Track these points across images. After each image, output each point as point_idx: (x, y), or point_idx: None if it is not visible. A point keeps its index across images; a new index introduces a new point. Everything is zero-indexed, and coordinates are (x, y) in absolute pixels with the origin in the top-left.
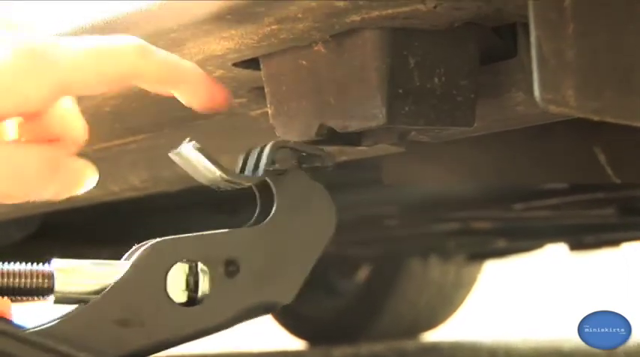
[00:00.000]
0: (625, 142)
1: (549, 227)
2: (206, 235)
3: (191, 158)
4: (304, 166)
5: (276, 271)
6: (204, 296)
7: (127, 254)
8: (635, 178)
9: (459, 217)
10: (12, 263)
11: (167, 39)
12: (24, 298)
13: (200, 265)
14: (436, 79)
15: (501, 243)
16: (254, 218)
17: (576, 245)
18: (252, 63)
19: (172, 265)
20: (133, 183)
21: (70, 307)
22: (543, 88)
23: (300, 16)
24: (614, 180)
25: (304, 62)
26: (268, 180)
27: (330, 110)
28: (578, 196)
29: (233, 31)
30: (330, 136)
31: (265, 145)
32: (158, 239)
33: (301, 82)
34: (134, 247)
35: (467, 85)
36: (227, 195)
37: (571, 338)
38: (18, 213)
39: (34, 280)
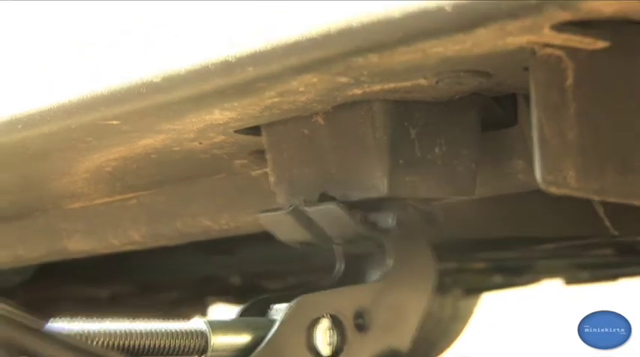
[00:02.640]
0: None
1: (546, 266)
2: (337, 291)
3: (323, 213)
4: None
5: (396, 322)
6: (341, 348)
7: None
8: (632, 230)
9: (457, 257)
10: (162, 322)
11: (169, 110)
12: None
13: (338, 319)
14: (437, 149)
15: (498, 278)
16: (341, 273)
17: (572, 281)
18: (253, 129)
19: (316, 320)
20: (133, 237)
21: None
22: (544, 170)
23: (301, 89)
24: (612, 232)
25: (306, 131)
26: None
27: (332, 179)
28: (575, 241)
29: (235, 103)
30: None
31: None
32: (300, 297)
33: (303, 150)
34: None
35: (468, 154)
36: (221, 237)
37: None
38: (17, 263)
39: (190, 340)
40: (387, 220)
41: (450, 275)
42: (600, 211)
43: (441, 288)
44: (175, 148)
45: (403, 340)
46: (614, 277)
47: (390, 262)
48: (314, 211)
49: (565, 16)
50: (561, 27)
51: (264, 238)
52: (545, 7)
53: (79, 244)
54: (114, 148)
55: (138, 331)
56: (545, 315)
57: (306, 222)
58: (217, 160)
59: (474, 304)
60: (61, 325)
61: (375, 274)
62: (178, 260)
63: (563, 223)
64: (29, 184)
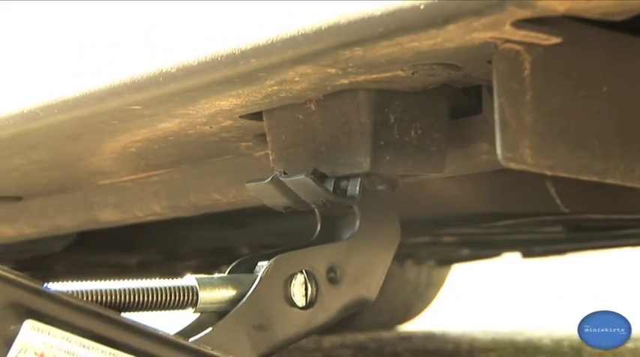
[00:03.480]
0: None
1: (506, 240)
2: (311, 249)
3: (297, 182)
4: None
5: (364, 275)
6: (315, 299)
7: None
8: (579, 207)
9: (431, 232)
10: (153, 280)
11: (183, 96)
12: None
13: (312, 274)
14: (413, 133)
15: (466, 252)
16: (317, 233)
17: (528, 254)
18: (256, 115)
19: (292, 275)
20: (155, 209)
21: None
22: (504, 148)
23: (297, 79)
24: (563, 209)
25: (300, 116)
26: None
27: (322, 158)
28: (531, 218)
29: (240, 91)
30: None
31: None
32: (278, 255)
33: (298, 133)
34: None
35: (439, 137)
36: (231, 211)
37: (524, 331)
38: (57, 231)
39: (181, 295)
40: (355, 187)
41: (425, 248)
42: (552, 190)
43: (418, 259)
44: (190, 131)
45: (371, 290)
46: (563, 251)
47: (357, 223)
48: (289, 182)
49: (523, 13)
50: (520, 24)
51: (270, 213)
52: (507, 5)
53: (109, 215)
54: (137, 130)
55: (133, 288)
56: (545, 315)
57: (285, 190)
58: (225, 142)
59: (446, 273)
60: (58, 285)
61: (347, 234)
62: (196, 233)
63: (520, 201)
64: (65, 163)
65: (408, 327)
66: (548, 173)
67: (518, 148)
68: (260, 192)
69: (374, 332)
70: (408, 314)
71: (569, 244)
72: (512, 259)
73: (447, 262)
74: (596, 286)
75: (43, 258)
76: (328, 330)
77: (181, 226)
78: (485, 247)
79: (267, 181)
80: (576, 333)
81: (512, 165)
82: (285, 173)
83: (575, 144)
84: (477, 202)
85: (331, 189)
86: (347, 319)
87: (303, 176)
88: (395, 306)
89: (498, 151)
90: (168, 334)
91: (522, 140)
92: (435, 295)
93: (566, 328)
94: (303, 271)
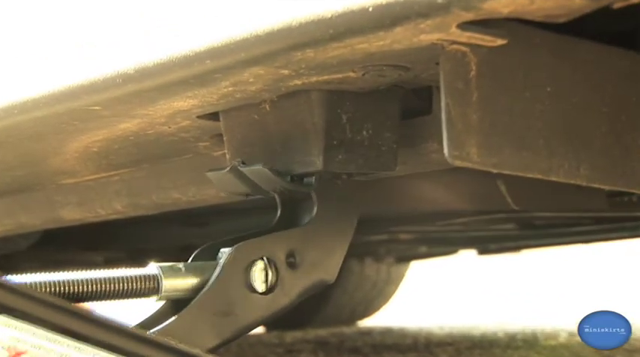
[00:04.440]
0: (522, 176)
1: (461, 237)
2: (271, 236)
3: (255, 172)
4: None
5: (323, 259)
6: (275, 284)
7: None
8: (529, 205)
9: (389, 230)
10: (116, 270)
11: (142, 97)
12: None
13: (271, 260)
14: (364, 132)
15: (423, 249)
16: (277, 219)
17: (483, 251)
18: (213, 116)
19: (253, 262)
20: (117, 208)
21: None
22: (451, 146)
23: (251, 80)
24: (513, 207)
25: (256, 116)
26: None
27: (277, 156)
28: (484, 215)
29: (196, 92)
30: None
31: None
32: (239, 243)
33: (253, 133)
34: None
35: (390, 136)
36: (195, 210)
37: (479, 325)
38: (22, 230)
39: (145, 283)
40: (312, 176)
41: (383, 245)
42: (502, 188)
43: (377, 256)
44: (149, 132)
45: (329, 272)
46: (517, 248)
47: (315, 209)
48: (248, 171)
49: (468, 16)
50: (466, 26)
51: (234, 211)
52: (452, 8)
53: (72, 214)
54: (98, 130)
55: (95, 277)
56: (545, 315)
57: (244, 179)
58: (184, 142)
59: (405, 270)
60: (20, 277)
61: (306, 219)
62: (162, 231)
63: (473, 199)
64: (28, 163)
65: (368, 322)
66: (494, 171)
67: (465, 147)
68: (220, 180)
69: (335, 328)
70: (368, 310)
71: (522, 241)
72: (468, 255)
73: (405, 259)
74: (596, 286)
75: (8, 256)
76: (290, 325)
77: (147, 224)
78: (441, 245)
79: (226, 170)
80: (529, 327)
81: (458, 163)
82: (243, 163)
83: (520, 143)
84: (433, 200)
85: (288, 178)
86: (308, 315)
87: (261, 166)
88: (355, 302)
89: (445, 149)
90: (134, 328)
91: (468, 139)
92: (394, 291)
93: (519, 323)
94: (264, 257)
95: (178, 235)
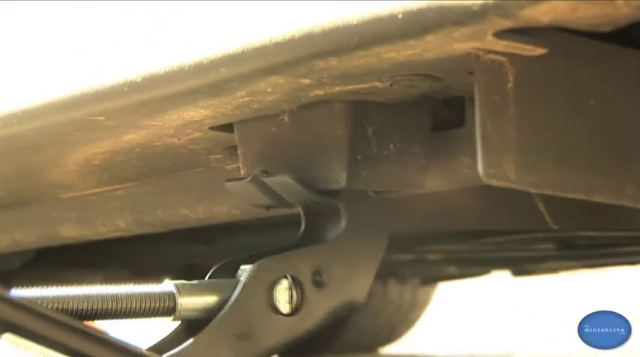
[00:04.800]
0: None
1: (494, 258)
2: (295, 252)
3: (278, 183)
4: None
5: (352, 277)
6: (301, 304)
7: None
8: (569, 224)
9: (415, 249)
10: (129, 286)
11: (150, 107)
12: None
13: (296, 278)
14: (392, 146)
15: (452, 269)
16: (301, 234)
17: (519, 272)
18: (227, 127)
19: (276, 281)
20: (119, 225)
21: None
22: (486, 164)
23: (269, 90)
24: (552, 226)
25: (273, 128)
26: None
27: (296, 172)
28: (520, 235)
29: (209, 102)
30: None
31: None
32: (261, 260)
33: (270, 146)
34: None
35: (419, 151)
36: (201, 226)
37: (513, 354)
38: (15, 248)
39: (159, 302)
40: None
41: (408, 266)
42: (541, 206)
43: (401, 277)
44: (156, 143)
45: (359, 292)
46: (556, 269)
47: (343, 223)
48: (271, 181)
49: (506, 24)
50: (503, 34)
51: (241, 229)
52: (488, 15)
53: (71, 231)
54: (100, 142)
55: (106, 294)
56: (545, 315)
57: (266, 189)
58: (195, 155)
59: (431, 293)
60: (28, 291)
61: (333, 235)
62: (165, 248)
63: (508, 217)
64: (25, 175)
65: (391, 349)
66: (533, 191)
67: (501, 165)
68: (239, 191)
69: (355, 355)
70: (391, 336)
71: (561, 262)
72: (501, 277)
73: (432, 280)
74: (597, 287)
75: (1, 274)
76: (305, 351)
77: (150, 240)
78: (472, 265)
79: (247, 179)
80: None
81: (495, 182)
82: (266, 173)
83: (561, 161)
84: (463, 218)
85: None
86: (325, 341)
87: (284, 176)
88: (377, 327)
89: (480, 167)
90: (148, 351)
91: (505, 156)
92: (420, 315)
93: (559, 348)
94: (288, 275)
95: (182, 253)
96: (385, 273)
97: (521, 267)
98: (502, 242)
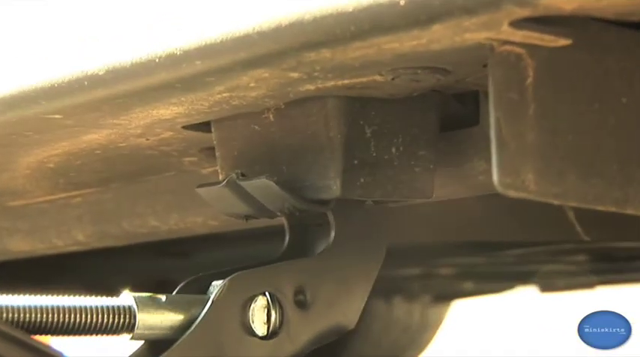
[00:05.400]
0: None
1: (518, 272)
2: (275, 266)
3: (258, 187)
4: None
5: (341, 297)
6: (280, 327)
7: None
8: (603, 234)
9: (424, 262)
10: (87, 298)
11: (114, 104)
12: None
13: (276, 296)
14: (394, 149)
15: (468, 285)
16: (285, 247)
17: (548, 288)
18: (203, 126)
19: (252, 298)
20: (77, 237)
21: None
22: (502, 172)
23: (252, 85)
24: (584, 237)
25: (257, 128)
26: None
27: (282, 178)
28: (546, 246)
29: (183, 98)
30: None
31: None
32: (235, 274)
33: (253, 147)
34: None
35: (426, 155)
36: (175, 238)
37: None
38: None
39: (115, 317)
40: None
41: (417, 281)
42: (570, 215)
43: (409, 294)
44: (121, 144)
45: (349, 314)
46: (590, 285)
47: (332, 234)
48: (249, 185)
49: (523, 12)
50: (521, 23)
51: (221, 239)
52: (503, 3)
53: (21, 244)
54: (56, 143)
55: (53, 305)
56: (545, 315)
57: (244, 196)
58: (166, 157)
59: (444, 312)
60: None
61: (320, 247)
62: (131, 262)
63: (531, 227)
64: None
65: None
66: (555, 203)
67: (519, 173)
68: (213, 198)
69: None
70: None
71: (596, 276)
72: (526, 293)
73: (445, 297)
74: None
75: None
76: None
77: (112, 253)
78: (492, 280)
79: (221, 184)
80: None
81: (512, 193)
82: (243, 175)
83: (588, 168)
84: (480, 228)
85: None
86: None
87: (265, 179)
88: (381, 351)
89: (494, 176)
90: None
91: (523, 163)
92: (431, 338)
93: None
94: (266, 292)
95: (151, 268)
96: (390, 290)
97: (551, 282)
98: (527, 254)
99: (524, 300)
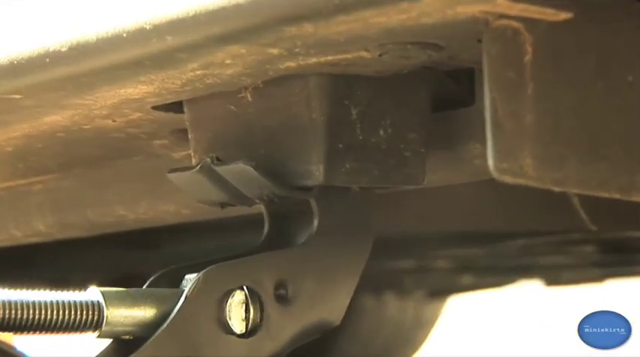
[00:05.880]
0: None
1: (521, 265)
2: (253, 258)
3: (234, 172)
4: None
5: (325, 292)
6: (259, 324)
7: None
8: (610, 223)
9: (418, 255)
10: (50, 292)
11: (77, 82)
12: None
13: (254, 291)
14: (381, 132)
15: (466, 279)
16: (263, 237)
17: (553, 281)
18: (174, 106)
19: (228, 293)
20: (38, 228)
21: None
22: (498, 157)
23: (228, 62)
24: (590, 226)
25: (233, 108)
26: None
27: (260, 161)
28: (550, 237)
29: (152, 76)
30: None
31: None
32: (210, 267)
33: (229, 129)
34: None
35: (416, 138)
36: (144, 228)
37: None
38: None
39: (79, 313)
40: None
41: (410, 275)
42: (575, 202)
43: (401, 290)
44: (85, 126)
45: (334, 310)
46: (600, 278)
47: (315, 222)
48: (225, 170)
49: None
50: None
51: (193, 229)
52: None
53: None
54: (15, 125)
55: (11, 301)
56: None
57: (220, 181)
58: (134, 140)
59: (440, 308)
60: None
61: (302, 238)
62: (95, 254)
63: (533, 215)
64: None
65: None
66: (556, 189)
67: (516, 158)
68: (186, 184)
69: None
70: None
71: (605, 268)
72: (526, 292)
73: (440, 293)
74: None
75: None
76: None
77: (76, 245)
78: (492, 274)
79: (195, 169)
80: None
81: (508, 179)
82: (218, 159)
83: (591, 152)
84: (478, 217)
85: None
86: None
87: (242, 164)
88: (371, 351)
89: (490, 160)
90: None
91: (521, 147)
92: (425, 337)
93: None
94: (244, 287)
95: (117, 261)
96: (381, 284)
97: (556, 275)
98: (528, 246)
99: (523, 299)
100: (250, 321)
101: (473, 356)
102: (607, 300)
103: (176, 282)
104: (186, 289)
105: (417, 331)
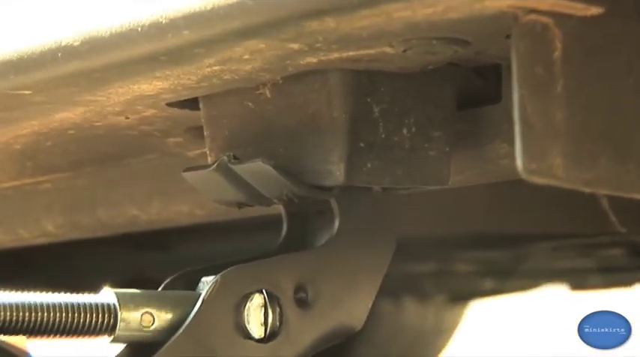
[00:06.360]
0: None
1: (546, 268)
2: (273, 260)
3: (253, 171)
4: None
5: (346, 295)
6: (279, 328)
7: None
8: None
9: (439, 258)
10: (63, 294)
11: (90, 78)
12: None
13: (273, 294)
14: (405, 131)
15: (489, 283)
16: (282, 238)
17: (580, 286)
18: (190, 102)
19: (247, 296)
20: (47, 228)
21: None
22: (527, 156)
23: (246, 57)
24: (619, 228)
25: (250, 105)
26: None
27: (279, 161)
28: (577, 239)
29: (167, 72)
30: None
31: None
32: (228, 269)
33: (246, 127)
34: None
35: (441, 136)
36: (156, 229)
37: None
38: None
39: (93, 316)
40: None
41: (430, 279)
42: (604, 203)
43: (421, 294)
44: (97, 124)
45: (355, 315)
46: (629, 283)
47: (336, 223)
48: (242, 169)
49: None
50: None
51: (208, 230)
52: None
53: None
54: (24, 121)
55: (21, 303)
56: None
57: (237, 180)
58: (147, 137)
59: (461, 313)
60: None
61: (322, 239)
62: (105, 257)
63: (560, 217)
64: None
65: None
66: (586, 190)
67: (546, 158)
68: (202, 183)
69: None
70: None
71: (635, 272)
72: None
73: (462, 297)
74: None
75: None
76: None
77: (85, 246)
78: (516, 277)
79: (211, 168)
80: None
81: (537, 179)
82: (235, 158)
83: (624, 152)
84: (503, 218)
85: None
86: None
87: (260, 162)
88: None
89: (518, 160)
90: None
91: (551, 146)
92: (445, 343)
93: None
94: (263, 290)
95: (128, 263)
96: (400, 288)
97: (583, 279)
98: (554, 249)
99: (523, 299)
100: (269, 325)
101: (473, 356)
102: (607, 300)
103: (192, 284)
104: (204, 292)
105: (437, 337)
